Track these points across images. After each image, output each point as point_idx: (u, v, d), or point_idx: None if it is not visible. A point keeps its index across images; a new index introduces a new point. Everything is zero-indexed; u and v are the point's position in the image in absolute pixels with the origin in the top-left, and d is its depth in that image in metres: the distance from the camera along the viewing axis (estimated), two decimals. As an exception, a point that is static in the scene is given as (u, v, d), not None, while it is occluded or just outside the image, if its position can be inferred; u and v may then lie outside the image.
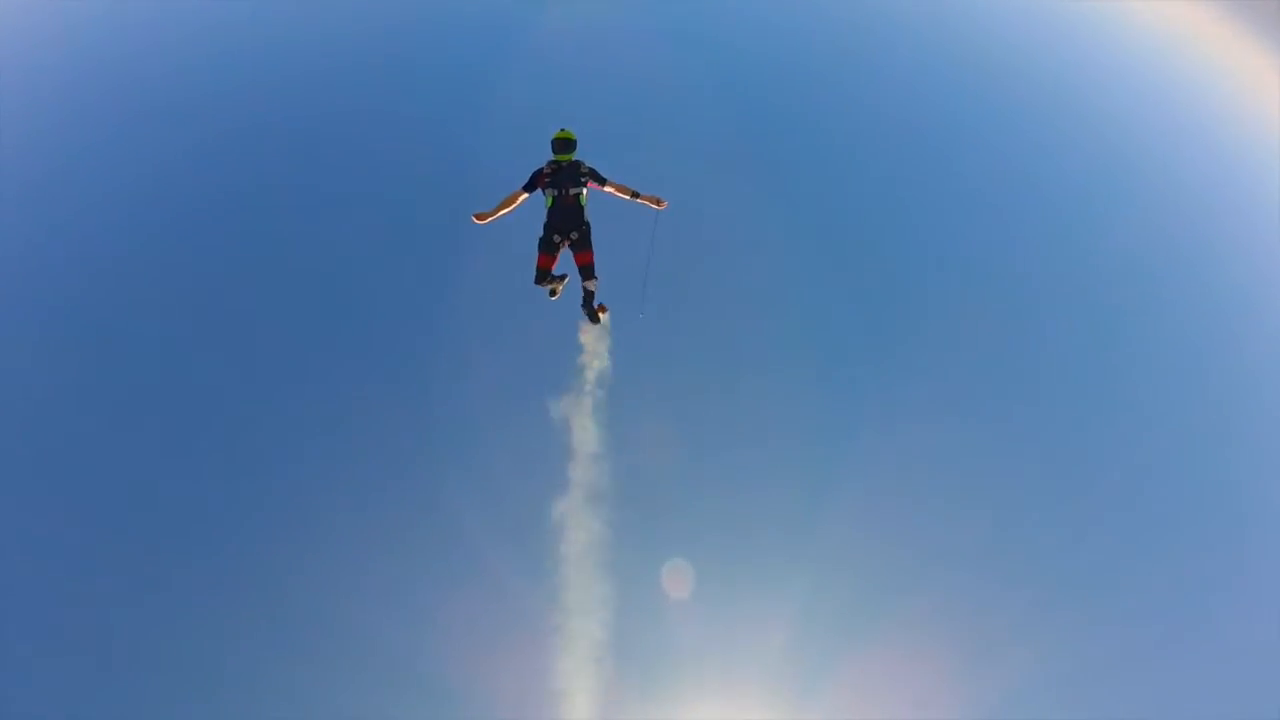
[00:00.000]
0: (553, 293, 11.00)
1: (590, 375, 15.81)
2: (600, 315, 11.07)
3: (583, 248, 10.38)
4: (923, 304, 24.91)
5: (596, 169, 10.28)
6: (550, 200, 10.24)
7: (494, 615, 19.57)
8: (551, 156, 10.32)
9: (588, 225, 10.34)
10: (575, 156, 10.31)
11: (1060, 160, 28.83)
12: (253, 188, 23.83)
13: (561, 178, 10.19)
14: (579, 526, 17.70)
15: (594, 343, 14.36)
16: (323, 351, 22.41)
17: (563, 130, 10.39)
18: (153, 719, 18.25)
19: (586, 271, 10.47)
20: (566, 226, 10.25)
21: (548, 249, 10.36)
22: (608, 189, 10.25)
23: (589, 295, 10.67)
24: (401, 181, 24.86)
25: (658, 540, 20.61)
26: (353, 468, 21.12)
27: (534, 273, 10.47)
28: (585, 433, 16.83)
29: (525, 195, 10.23)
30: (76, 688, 18.08)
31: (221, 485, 20.69)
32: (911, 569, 21.19)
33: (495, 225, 10.16)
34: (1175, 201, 28.69)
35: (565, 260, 10.66)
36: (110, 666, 18.58)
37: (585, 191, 10.28)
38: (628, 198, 10.23)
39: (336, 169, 24.79)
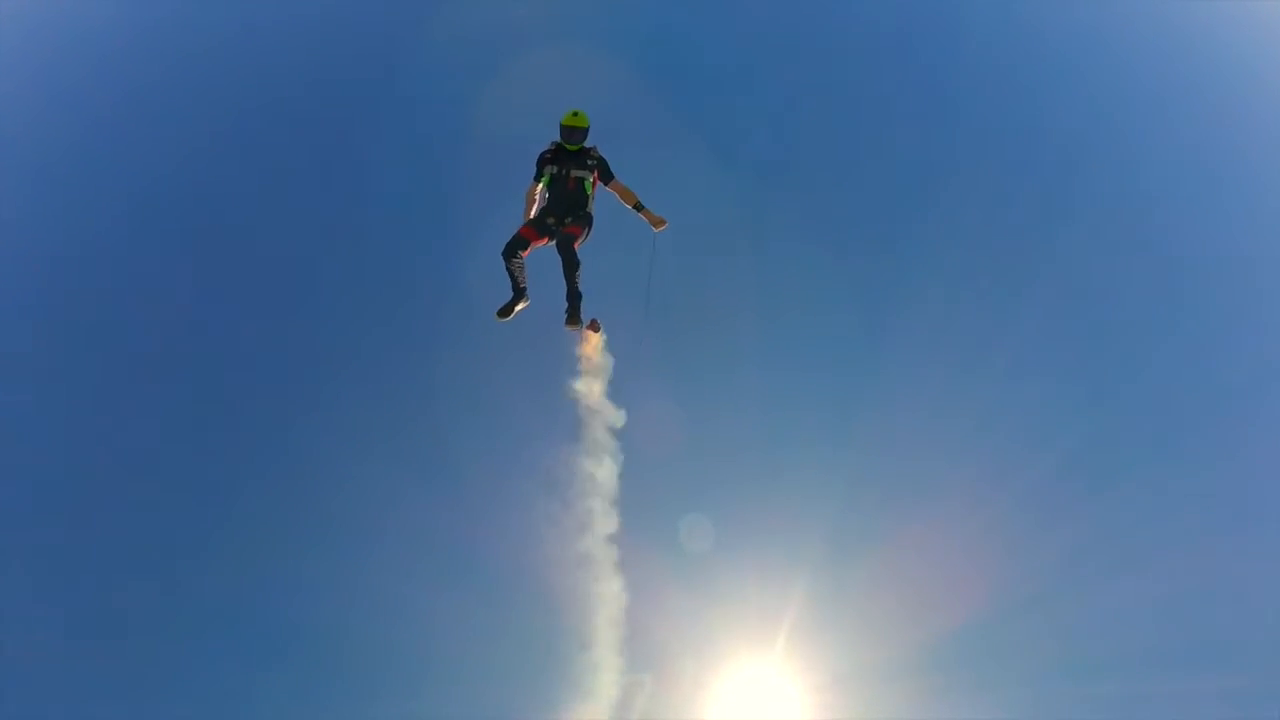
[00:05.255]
0: (509, 309, 9.35)
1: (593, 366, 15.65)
2: (591, 332, 10.00)
3: (573, 225, 9.06)
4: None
5: (607, 162, 9.09)
6: (547, 178, 9.12)
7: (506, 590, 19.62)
8: (557, 139, 9.12)
9: (588, 216, 9.14)
10: (588, 144, 9.09)
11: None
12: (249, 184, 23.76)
13: (564, 157, 9.07)
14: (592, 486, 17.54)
15: (592, 353, 13.86)
16: (320, 350, 22.47)
17: (573, 114, 8.98)
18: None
19: (566, 244, 8.98)
20: (562, 210, 9.03)
21: (535, 224, 9.09)
22: (611, 187, 9.12)
23: (569, 267, 9.05)
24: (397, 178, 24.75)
25: (673, 498, 20.61)
26: (357, 466, 21.17)
27: (510, 239, 8.98)
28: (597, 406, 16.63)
29: (540, 186, 9.21)
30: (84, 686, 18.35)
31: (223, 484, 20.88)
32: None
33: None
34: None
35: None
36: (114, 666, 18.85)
37: (590, 179, 9.07)
38: (629, 206, 9.14)
39: (327, 167, 24.66)
